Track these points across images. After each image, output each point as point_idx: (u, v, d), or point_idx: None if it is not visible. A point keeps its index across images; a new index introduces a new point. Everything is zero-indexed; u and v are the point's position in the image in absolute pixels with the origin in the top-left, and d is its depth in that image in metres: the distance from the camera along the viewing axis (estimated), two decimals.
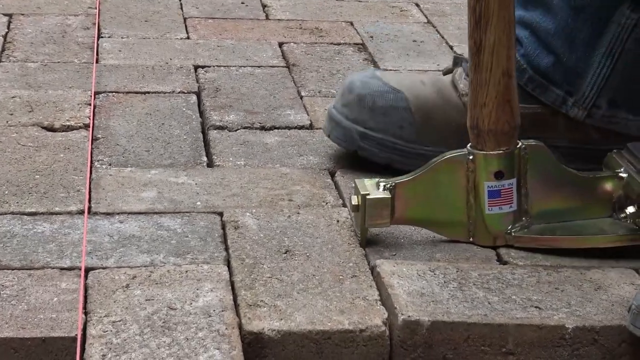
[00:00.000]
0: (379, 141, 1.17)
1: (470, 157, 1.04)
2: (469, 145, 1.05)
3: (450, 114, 1.17)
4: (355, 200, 1.04)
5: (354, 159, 1.24)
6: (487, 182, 1.04)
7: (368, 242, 1.06)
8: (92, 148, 1.23)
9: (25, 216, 1.07)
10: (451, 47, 1.65)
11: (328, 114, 1.22)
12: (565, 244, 1.07)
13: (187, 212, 1.10)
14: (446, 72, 1.23)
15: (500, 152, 1.04)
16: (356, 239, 1.06)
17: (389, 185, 1.03)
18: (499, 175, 1.04)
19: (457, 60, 1.21)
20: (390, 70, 1.53)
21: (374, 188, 1.04)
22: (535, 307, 0.96)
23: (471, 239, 1.06)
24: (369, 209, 1.03)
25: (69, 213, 1.08)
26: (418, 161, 1.13)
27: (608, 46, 1.15)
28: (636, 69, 1.16)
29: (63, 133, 1.27)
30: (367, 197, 1.02)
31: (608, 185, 1.07)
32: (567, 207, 1.08)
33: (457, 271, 1.01)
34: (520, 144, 1.05)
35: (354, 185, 1.06)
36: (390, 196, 1.03)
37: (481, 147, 1.04)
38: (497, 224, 1.05)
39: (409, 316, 0.92)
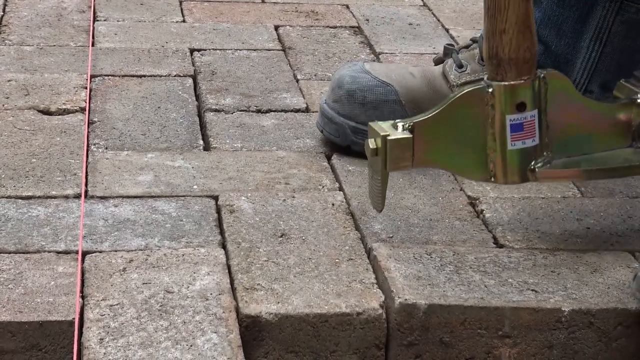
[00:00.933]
0: None
1: (490, 90, 0.99)
2: (486, 77, 1.01)
3: None
4: (373, 144, 0.98)
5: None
6: (509, 116, 0.99)
7: (363, 225, 1.06)
8: (88, 132, 1.23)
9: (20, 200, 1.07)
10: (447, 30, 1.65)
11: (320, 109, 1.22)
12: (592, 175, 1.06)
13: (182, 196, 1.10)
14: (437, 61, 1.23)
15: (522, 81, 0.99)
16: (352, 222, 1.06)
17: (407, 125, 0.99)
18: (521, 107, 1.00)
19: (448, 51, 1.21)
20: (387, 53, 1.53)
21: (392, 129, 0.99)
22: (532, 290, 0.96)
23: (492, 179, 1.01)
24: (390, 151, 0.97)
25: (66, 197, 1.08)
26: None
27: (595, 30, 1.15)
28: (624, 51, 1.16)
29: (59, 116, 1.27)
30: (388, 138, 0.97)
31: (627, 113, 1.04)
32: (587, 138, 1.04)
33: (453, 254, 1.01)
34: (539, 72, 1.00)
35: (369, 129, 1.00)
36: (411, 136, 0.99)
37: (501, 77, 0.99)
38: (520, 160, 1.01)
39: (405, 299, 0.92)
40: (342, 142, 1.19)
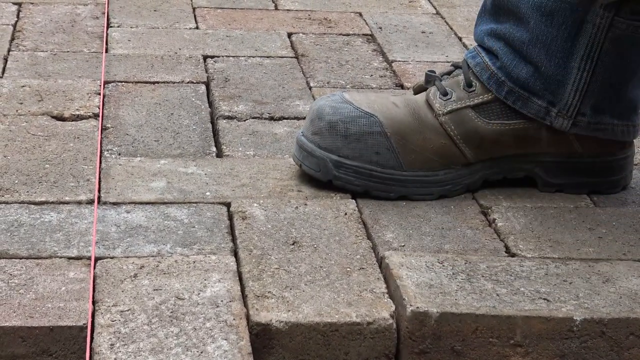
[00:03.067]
0: (354, 169, 1.12)
1: None
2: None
3: (428, 136, 1.13)
4: None
5: None
6: None
7: (375, 234, 1.05)
8: (101, 138, 1.23)
9: (33, 205, 1.07)
10: (460, 39, 1.65)
11: (297, 142, 1.16)
12: None
13: (195, 203, 1.10)
14: (417, 89, 1.19)
15: None
16: (364, 231, 1.06)
17: None
18: None
19: (430, 78, 1.17)
20: (400, 61, 1.53)
21: None
22: (544, 299, 0.96)
23: None
24: None
25: (79, 202, 1.09)
26: (397, 187, 1.12)
27: (585, 49, 1.11)
28: (616, 71, 1.13)
29: (73, 122, 1.27)
30: None
31: None
32: None
33: (465, 263, 1.01)
34: None
35: None
36: None
37: None
38: None
39: (417, 307, 0.92)
40: (323, 177, 1.14)
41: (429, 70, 1.17)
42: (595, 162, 1.15)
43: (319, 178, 1.14)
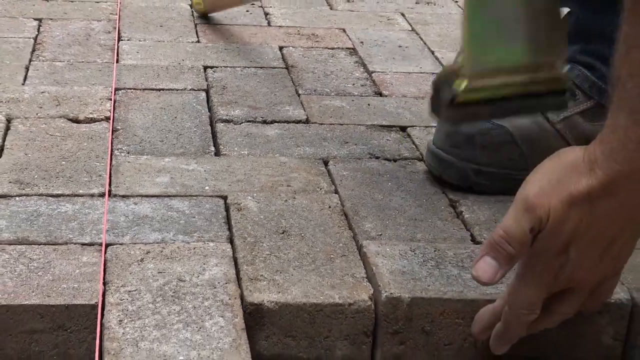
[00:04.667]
0: (493, 176, 1.13)
1: None
2: None
3: (550, 141, 1.14)
4: None
5: (347, 150, 1.24)
6: None
7: (355, 224, 1.06)
8: (112, 138, 1.23)
9: (51, 197, 1.07)
10: (432, 52, 1.65)
11: (434, 154, 1.16)
12: None
13: (195, 196, 1.10)
14: None
15: None
16: (345, 222, 1.06)
17: None
18: None
19: None
20: (379, 72, 1.54)
21: None
22: (504, 284, 0.95)
23: None
24: None
25: (91, 195, 1.09)
26: None
27: None
28: None
29: (87, 124, 1.27)
30: None
31: None
32: None
33: (434, 251, 1.01)
34: None
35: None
36: None
37: None
38: None
39: (391, 293, 0.93)
40: (463, 184, 1.14)
41: None
42: None
43: (459, 184, 1.14)
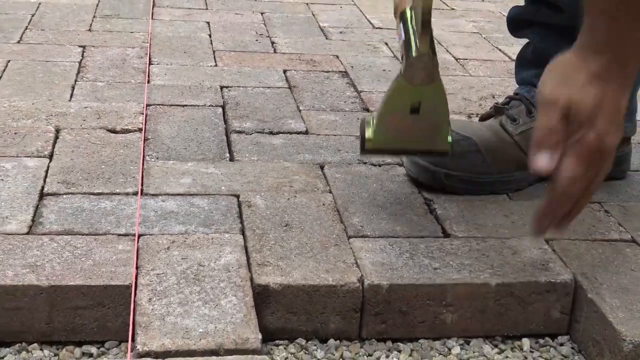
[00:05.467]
0: (461, 179, 1.13)
1: None
2: None
3: (509, 150, 1.15)
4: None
5: (340, 157, 1.24)
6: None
7: (346, 219, 1.06)
8: (144, 146, 1.23)
9: (92, 195, 1.08)
10: None
11: (412, 161, 1.16)
12: None
13: (213, 195, 1.10)
14: (485, 116, 1.21)
15: None
16: (338, 216, 1.06)
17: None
18: None
19: (499, 110, 1.18)
20: (366, 91, 1.54)
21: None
22: (467, 270, 0.96)
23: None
24: None
25: (126, 194, 1.09)
26: (487, 187, 1.14)
27: None
28: None
29: (122, 134, 1.28)
30: None
31: None
32: None
33: (409, 244, 1.01)
34: None
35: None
36: None
37: None
38: None
39: (372, 281, 0.93)
40: (436, 185, 1.14)
41: (496, 103, 1.20)
42: None
43: (432, 185, 1.14)
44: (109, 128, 1.29)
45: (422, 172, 1.15)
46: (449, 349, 0.94)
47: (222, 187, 1.12)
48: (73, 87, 1.46)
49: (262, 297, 0.91)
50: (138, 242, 0.97)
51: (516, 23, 1.25)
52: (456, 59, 1.77)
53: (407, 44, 0.94)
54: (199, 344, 0.83)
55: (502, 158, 1.15)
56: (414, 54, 0.93)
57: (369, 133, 1.00)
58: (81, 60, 1.61)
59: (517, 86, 1.25)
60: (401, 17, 0.98)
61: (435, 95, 0.96)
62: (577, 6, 0.89)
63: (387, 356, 0.92)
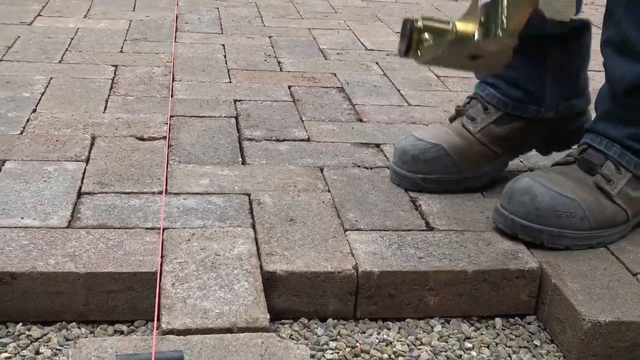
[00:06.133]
0: (435, 181, 1.12)
1: None
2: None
3: (473, 148, 1.14)
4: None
5: (337, 161, 1.24)
6: None
7: (342, 214, 1.06)
8: (168, 151, 1.23)
9: (123, 194, 1.07)
10: (399, 90, 1.65)
11: (393, 170, 1.15)
12: None
13: (227, 194, 1.10)
14: (451, 118, 1.20)
15: None
16: (335, 213, 1.06)
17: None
18: None
19: (459, 111, 1.18)
20: (360, 104, 1.54)
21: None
22: (448, 259, 0.96)
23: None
24: None
25: (153, 193, 1.09)
26: (462, 184, 1.13)
27: (551, 71, 1.14)
28: (571, 74, 1.17)
29: (149, 142, 1.27)
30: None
31: None
32: None
33: (397, 237, 1.01)
34: None
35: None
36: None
37: None
38: None
39: (365, 269, 0.93)
40: (415, 189, 1.13)
41: (457, 106, 1.19)
42: (571, 128, 1.18)
43: (412, 190, 1.13)
44: (138, 136, 1.29)
45: (401, 179, 1.14)
46: (432, 327, 0.94)
47: (236, 187, 1.12)
48: (106, 101, 1.46)
49: (270, 282, 0.91)
50: (163, 234, 0.97)
51: None
52: (437, 77, 1.76)
53: (491, 10, 0.83)
54: (216, 323, 0.83)
55: (469, 157, 1.14)
56: (499, 33, 0.83)
57: (419, 52, 0.87)
58: (113, 77, 1.61)
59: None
60: None
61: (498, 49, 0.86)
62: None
63: (379, 333, 0.92)
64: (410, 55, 0.88)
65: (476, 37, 0.84)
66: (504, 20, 0.82)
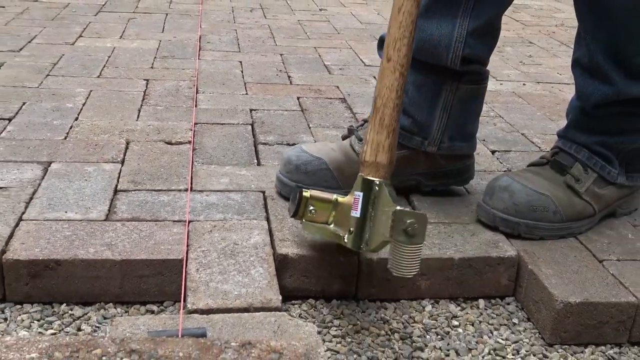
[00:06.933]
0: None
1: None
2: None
3: (354, 167, 1.04)
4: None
5: None
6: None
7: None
8: (192, 154, 1.23)
9: (154, 191, 1.07)
10: None
11: (277, 177, 1.08)
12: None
13: (245, 191, 1.10)
14: (344, 137, 1.11)
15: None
16: None
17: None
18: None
19: (351, 131, 1.09)
20: (360, 113, 1.53)
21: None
22: (437, 247, 0.96)
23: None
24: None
25: (179, 190, 1.08)
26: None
27: (443, 105, 1.05)
28: (461, 116, 1.07)
29: (176, 145, 1.27)
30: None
31: None
32: None
33: None
34: (376, 181, 0.82)
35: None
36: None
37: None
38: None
39: (365, 255, 0.93)
40: (293, 198, 1.03)
41: (349, 126, 1.10)
42: (453, 169, 1.10)
43: (288, 196, 1.06)
44: (166, 141, 1.29)
45: (283, 186, 1.06)
46: (423, 307, 0.94)
47: (252, 185, 1.12)
48: (139, 110, 1.46)
49: (283, 264, 0.91)
50: (188, 226, 0.97)
51: (381, 42, 1.06)
52: None
53: (361, 224, 0.81)
54: (234, 303, 0.82)
55: (349, 174, 1.04)
56: (362, 248, 0.82)
57: (303, 219, 0.87)
58: (145, 90, 1.61)
59: None
60: (365, 186, 0.82)
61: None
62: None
63: (377, 312, 0.92)
64: (297, 219, 0.88)
65: (345, 240, 0.83)
66: (368, 240, 0.81)
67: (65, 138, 1.27)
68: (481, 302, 0.95)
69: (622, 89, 0.98)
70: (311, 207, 0.87)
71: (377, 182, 0.82)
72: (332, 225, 0.87)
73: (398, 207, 0.78)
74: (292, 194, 0.88)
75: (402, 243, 0.78)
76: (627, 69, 0.97)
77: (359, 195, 0.81)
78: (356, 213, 0.81)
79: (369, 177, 0.82)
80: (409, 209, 0.78)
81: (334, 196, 0.87)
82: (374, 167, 0.82)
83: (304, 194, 0.87)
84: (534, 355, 0.87)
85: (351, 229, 0.82)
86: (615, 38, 0.96)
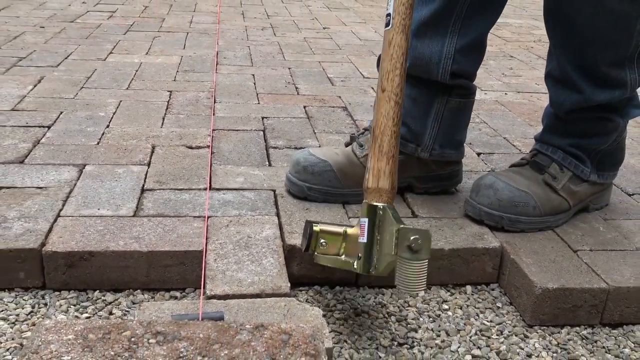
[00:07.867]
0: (318, 191, 1.04)
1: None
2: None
3: (356, 170, 1.03)
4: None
5: None
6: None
7: (347, 206, 1.04)
8: (211, 157, 1.22)
9: (176, 190, 1.07)
10: None
11: (287, 177, 1.07)
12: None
13: (257, 189, 1.09)
14: (346, 143, 1.10)
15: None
16: (342, 204, 1.05)
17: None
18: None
19: (352, 138, 1.08)
20: (360, 120, 1.53)
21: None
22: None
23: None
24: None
25: (199, 189, 1.08)
26: (340, 198, 1.04)
27: (434, 116, 1.04)
28: (451, 125, 1.06)
29: (196, 150, 1.27)
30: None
31: None
32: None
33: None
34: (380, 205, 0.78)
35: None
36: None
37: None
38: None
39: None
40: (301, 195, 1.04)
41: (351, 134, 1.09)
42: (443, 173, 1.10)
43: (299, 196, 1.05)
44: (188, 145, 1.28)
45: (292, 185, 1.05)
46: (417, 293, 0.93)
47: (264, 184, 1.12)
48: (163, 118, 1.46)
49: (291, 253, 0.90)
50: (207, 221, 0.97)
51: (379, 60, 1.07)
52: None
53: (369, 248, 0.76)
54: (248, 290, 0.82)
55: (351, 176, 1.04)
56: (372, 271, 0.76)
57: (316, 252, 0.82)
58: (169, 100, 1.61)
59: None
60: (370, 211, 0.77)
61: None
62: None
63: (375, 297, 0.91)
64: (309, 252, 0.83)
65: (355, 266, 0.78)
66: (376, 263, 0.76)
67: (98, 143, 1.27)
68: (468, 288, 0.95)
69: (589, 96, 0.98)
70: (322, 241, 0.82)
71: (381, 207, 0.77)
72: (343, 257, 0.82)
73: (401, 225, 0.74)
74: (304, 229, 0.85)
75: (407, 259, 0.73)
76: (594, 78, 0.97)
77: (365, 221, 0.77)
78: (363, 239, 0.77)
79: (372, 203, 0.78)
80: (411, 226, 0.74)
81: (343, 228, 0.83)
82: (377, 193, 0.79)
83: (315, 228, 0.82)
84: (516, 335, 0.86)
85: (360, 254, 0.78)
86: (580, 51, 0.96)
